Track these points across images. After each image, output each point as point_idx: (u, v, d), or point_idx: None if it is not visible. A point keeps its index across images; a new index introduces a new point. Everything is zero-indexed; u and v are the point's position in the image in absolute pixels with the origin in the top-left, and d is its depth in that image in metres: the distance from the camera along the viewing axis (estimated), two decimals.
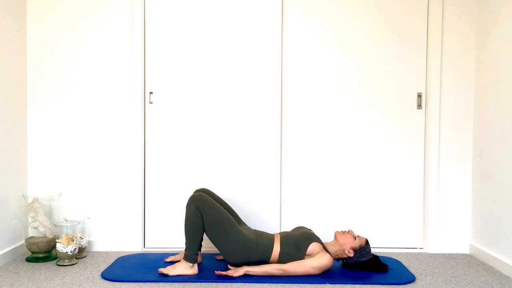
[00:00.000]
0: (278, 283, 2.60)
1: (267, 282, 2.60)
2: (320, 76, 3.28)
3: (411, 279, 2.65)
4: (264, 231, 3.17)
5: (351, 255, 2.73)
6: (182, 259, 2.70)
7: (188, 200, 2.68)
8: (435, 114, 3.24)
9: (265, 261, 2.72)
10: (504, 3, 2.88)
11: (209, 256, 3.08)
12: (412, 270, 2.86)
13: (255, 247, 2.68)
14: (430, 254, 3.23)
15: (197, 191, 2.92)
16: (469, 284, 2.62)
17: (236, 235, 2.67)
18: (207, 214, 2.65)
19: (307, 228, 2.90)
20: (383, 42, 3.27)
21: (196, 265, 2.70)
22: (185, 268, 2.68)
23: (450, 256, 3.18)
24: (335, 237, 2.78)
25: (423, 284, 2.60)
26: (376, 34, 3.27)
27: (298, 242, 2.71)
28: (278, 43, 3.25)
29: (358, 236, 2.78)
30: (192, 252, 2.68)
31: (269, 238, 2.75)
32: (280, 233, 2.81)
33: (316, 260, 2.65)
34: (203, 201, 2.67)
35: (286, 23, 3.28)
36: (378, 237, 3.30)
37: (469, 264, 2.99)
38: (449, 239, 3.26)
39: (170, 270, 2.67)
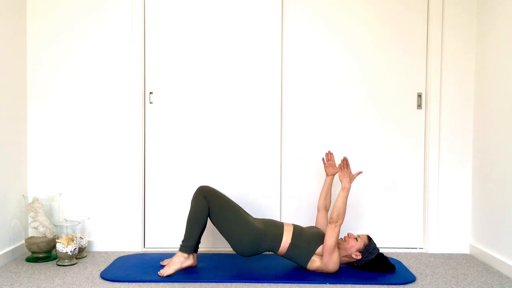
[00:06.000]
0: (278, 283, 2.60)
1: (267, 282, 2.60)
2: (320, 75, 3.28)
3: (411, 279, 2.65)
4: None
5: (359, 257, 2.72)
6: (178, 251, 2.70)
7: (196, 191, 2.69)
8: (435, 114, 3.24)
9: (274, 251, 2.71)
10: (504, 3, 2.88)
11: (209, 256, 3.08)
12: (412, 270, 2.86)
13: (264, 237, 2.67)
14: (430, 254, 3.23)
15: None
16: (469, 284, 2.62)
17: (245, 223, 2.66)
18: (215, 203, 2.66)
19: (321, 230, 2.88)
20: (383, 42, 3.27)
21: (191, 256, 2.69)
22: (180, 261, 2.67)
23: (450, 256, 3.18)
24: (337, 246, 2.76)
25: (423, 284, 2.60)
26: (376, 34, 3.27)
27: (311, 239, 2.70)
28: (278, 43, 3.25)
29: (359, 236, 2.77)
30: (189, 243, 2.67)
31: (279, 227, 2.73)
32: (294, 225, 2.78)
33: (334, 256, 2.65)
34: (211, 191, 2.68)
35: (286, 23, 3.28)
36: (378, 237, 3.30)
37: (469, 264, 3.00)
38: (449, 239, 3.26)
39: (167, 270, 2.66)
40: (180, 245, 2.69)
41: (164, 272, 2.65)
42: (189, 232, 2.68)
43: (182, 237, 3.25)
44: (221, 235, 3.23)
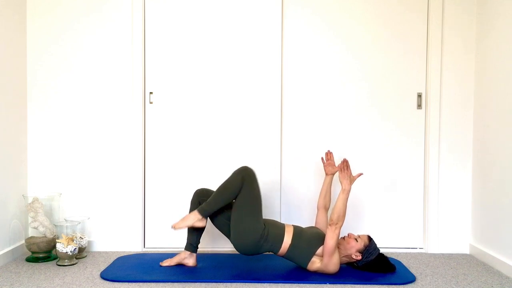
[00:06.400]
0: (278, 283, 2.60)
1: (267, 282, 2.60)
2: (320, 75, 3.28)
3: (411, 279, 2.65)
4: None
5: (359, 257, 2.72)
6: (195, 210, 2.71)
7: (240, 168, 2.70)
8: (435, 114, 3.24)
9: (274, 252, 2.71)
10: (504, 3, 2.88)
11: (209, 256, 3.08)
12: (412, 270, 2.86)
13: (266, 238, 2.67)
14: (430, 254, 3.23)
15: (197, 190, 2.89)
16: (469, 284, 2.62)
17: (258, 223, 2.66)
18: (247, 190, 2.66)
19: (321, 230, 2.88)
20: (383, 42, 3.27)
21: (205, 220, 2.72)
22: (193, 219, 2.69)
23: (450, 256, 3.18)
24: (337, 247, 2.76)
25: (423, 284, 2.60)
26: (376, 34, 3.27)
27: (311, 239, 2.70)
28: (278, 43, 3.25)
29: (359, 236, 2.77)
30: (209, 208, 2.69)
31: (280, 228, 2.73)
32: (294, 226, 2.78)
33: (335, 257, 2.65)
34: (251, 177, 2.69)
35: (286, 23, 3.28)
36: (378, 237, 3.30)
37: (469, 264, 3.00)
38: (449, 239, 3.26)
39: (180, 223, 2.70)
40: (200, 207, 2.72)
41: (177, 225, 2.70)
42: (214, 200, 2.69)
43: (182, 237, 3.24)
44: (221, 233, 3.23)
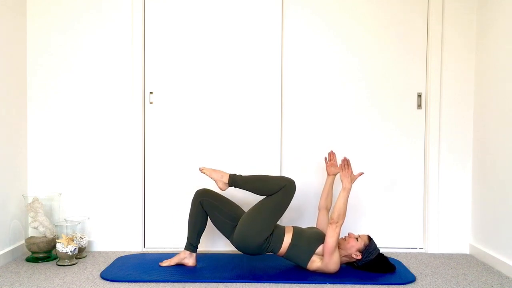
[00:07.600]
0: (278, 283, 2.60)
1: (267, 282, 2.60)
2: (320, 75, 3.28)
3: (411, 279, 2.65)
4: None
5: (359, 257, 2.72)
6: (226, 173, 2.78)
7: (288, 178, 2.73)
8: (435, 114, 3.24)
9: (274, 252, 2.72)
10: (504, 3, 2.88)
11: (209, 256, 3.08)
12: (412, 270, 2.86)
13: (269, 239, 2.68)
14: (430, 254, 3.23)
15: (199, 191, 2.89)
16: (469, 284, 2.62)
17: (269, 227, 2.66)
18: (279, 197, 2.68)
19: (321, 230, 2.88)
20: (383, 42, 3.27)
21: (227, 187, 2.78)
22: (220, 178, 2.77)
23: (450, 256, 3.18)
24: (337, 246, 2.76)
25: (423, 284, 2.60)
26: (377, 34, 3.27)
27: (310, 238, 2.71)
28: (278, 43, 3.25)
29: (359, 236, 2.77)
30: (240, 182, 2.75)
31: (281, 228, 2.75)
32: (294, 226, 2.80)
33: (335, 256, 2.66)
34: (291, 190, 2.70)
35: (286, 23, 3.28)
36: (378, 237, 3.30)
37: (469, 264, 3.00)
38: (449, 239, 3.26)
39: (208, 170, 2.79)
40: (234, 174, 2.78)
41: (205, 169, 2.80)
42: (249, 181, 2.75)
43: (181, 237, 3.25)
44: (221, 233, 3.23)
